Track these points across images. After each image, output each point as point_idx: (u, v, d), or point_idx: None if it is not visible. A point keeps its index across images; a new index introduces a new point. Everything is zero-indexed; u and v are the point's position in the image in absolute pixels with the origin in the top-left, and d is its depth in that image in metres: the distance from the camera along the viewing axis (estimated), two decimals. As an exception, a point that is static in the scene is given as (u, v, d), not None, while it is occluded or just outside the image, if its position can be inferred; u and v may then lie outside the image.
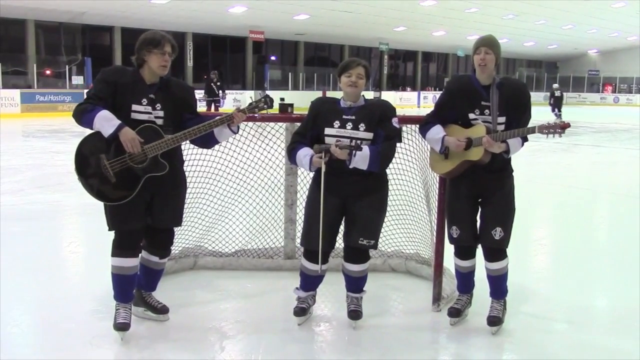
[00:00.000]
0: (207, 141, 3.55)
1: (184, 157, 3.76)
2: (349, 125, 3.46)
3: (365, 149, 3.38)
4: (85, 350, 3.34)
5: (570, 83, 49.29)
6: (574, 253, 5.71)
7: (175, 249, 4.34)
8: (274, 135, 4.71)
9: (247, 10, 27.59)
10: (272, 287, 4.39)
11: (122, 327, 3.43)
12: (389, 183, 3.72)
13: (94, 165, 3.27)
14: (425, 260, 4.64)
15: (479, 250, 3.71)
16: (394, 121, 3.50)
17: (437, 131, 3.58)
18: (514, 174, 3.65)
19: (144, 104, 3.33)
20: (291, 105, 4.66)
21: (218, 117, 3.43)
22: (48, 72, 26.89)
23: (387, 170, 3.69)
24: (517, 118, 3.48)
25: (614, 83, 50.59)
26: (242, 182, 4.80)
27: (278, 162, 4.75)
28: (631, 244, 5.81)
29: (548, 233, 6.84)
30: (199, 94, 17.48)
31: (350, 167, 3.40)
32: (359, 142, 3.38)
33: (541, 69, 53.49)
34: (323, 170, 3.40)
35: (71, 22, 27.51)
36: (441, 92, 3.87)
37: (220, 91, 19.40)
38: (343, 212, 3.57)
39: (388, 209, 3.72)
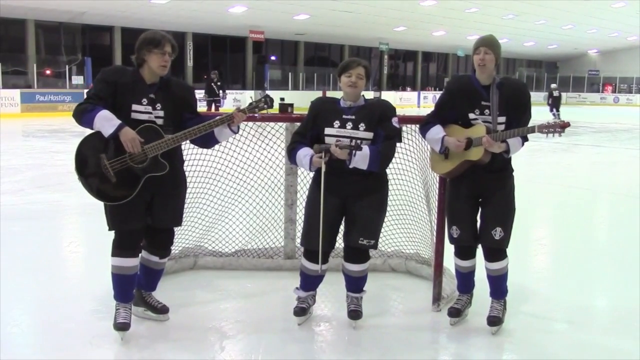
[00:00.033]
0: (207, 141, 3.55)
1: (184, 157, 3.76)
2: (349, 125, 3.46)
3: (365, 148, 3.38)
4: (85, 350, 3.34)
5: (570, 83, 49.31)
6: (574, 253, 5.71)
7: (175, 248, 4.34)
8: (274, 135, 4.71)
9: (247, 10, 27.59)
10: (272, 287, 4.39)
11: (122, 327, 3.43)
12: (389, 183, 3.72)
13: (94, 165, 3.27)
14: (425, 260, 4.63)
15: (479, 250, 3.71)
16: (394, 121, 3.50)
17: (437, 131, 3.58)
18: (514, 174, 3.65)
19: (144, 103, 3.33)
20: (291, 105, 4.65)
21: (218, 117, 3.43)
22: (48, 72, 26.90)
23: (387, 170, 3.69)
24: (517, 118, 3.48)
25: (614, 83, 50.59)
26: (242, 182, 4.80)
27: (278, 162, 4.75)
28: (631, 244, 5.81)
29: (548, 233, 6.84)
30: (199, 94, 17.47)
31: (350, 167, 3.39)
32: (359, 142, 3.38)
33: (541, 69, 53.49)
34: (323, 170, 3.39)
35: (71, 22, 27.52)
36: (441, 92, 3.87)
37: (221, 91, 19.37)
38: (343, 212, 3.57)
39: (388, 209, 3.71)
